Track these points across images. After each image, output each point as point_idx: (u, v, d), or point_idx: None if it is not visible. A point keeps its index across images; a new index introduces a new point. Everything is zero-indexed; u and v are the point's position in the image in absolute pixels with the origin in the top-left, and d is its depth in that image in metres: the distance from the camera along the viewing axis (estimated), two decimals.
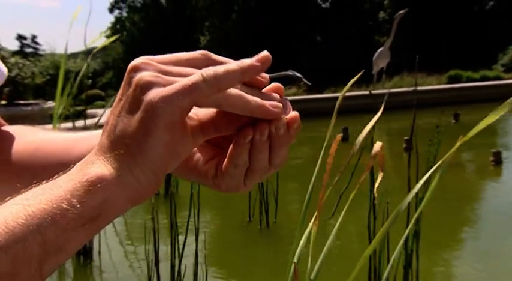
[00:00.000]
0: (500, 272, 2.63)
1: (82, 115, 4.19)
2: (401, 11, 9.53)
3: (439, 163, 1.02)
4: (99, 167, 0.30)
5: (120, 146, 0.30)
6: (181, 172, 0.39)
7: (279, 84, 0.36)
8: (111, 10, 26.08)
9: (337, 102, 1.16)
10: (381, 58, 10.17)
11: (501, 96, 1.49)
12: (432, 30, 16.74)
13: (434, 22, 16.88)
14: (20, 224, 0.27)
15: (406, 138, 5.32)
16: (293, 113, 0.34)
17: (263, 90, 0.35)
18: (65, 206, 0.28)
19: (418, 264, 2.19)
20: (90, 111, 7.89)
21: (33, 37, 26.37)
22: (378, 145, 0.97)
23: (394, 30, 9.82)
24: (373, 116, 1.07)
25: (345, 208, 1.10)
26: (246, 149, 0.34)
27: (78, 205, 0.28)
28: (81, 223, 0.28)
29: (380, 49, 10.29)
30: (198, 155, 0.38)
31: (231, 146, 0.35)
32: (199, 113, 0.35)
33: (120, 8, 25.92)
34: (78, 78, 2.72)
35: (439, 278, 2.69)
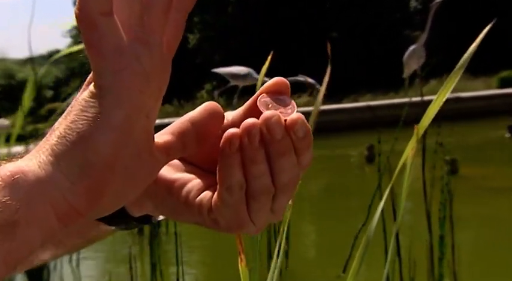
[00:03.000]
0: None
1: (41, 135, 4.21)
2: None
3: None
4: (19, 162, 0.29)
5: (52, 135, 0.29)
6: (169, 209, 0.39)
7: (283, 79, 0.36)
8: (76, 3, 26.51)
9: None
10: (413, 58, 10.22)
11: None
12: (477, 21, 16.86)
13: (480, 12, 17.02)
14: None
15: (448, 158, 5.30)
16: (295, 114, 0.33)
17: (262, 87, 0.35)
18: None
19: None
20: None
21: None
22: None
23: (430, 23, 9.90)
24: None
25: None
26: (236, 162, 0.33)
27: None
28: None
29: (412, 47, 10.36)
30: (188, 186, 0.37)
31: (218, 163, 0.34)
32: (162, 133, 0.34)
33: None
34: (27, 88, 2.72)
35: None
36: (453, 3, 14.03)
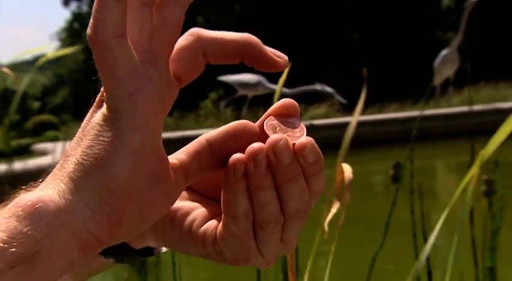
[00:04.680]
0: None
1: (27, 151, 4.21)
2: None
3: None
4: (38, 191, 0.30)
5: (68, 162, 0.31)
6: (171, 240, 0.40)
7: (291, 100, 0.37)
8: (66, 3, 26.74)
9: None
10: (446, 64, 10.19)
11: None
12: None
13: None
14: None
15: (486, 178, 5.26)
16: (304, 138, 0.34)
17: (270, 109, 0.36)
18: None
19: None
20: (38, 146, 7.82)
21: None
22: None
23: (464, 25, 9.88)
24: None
25: None
26: (241, 189, 0.34)
27: (4, 236, 0.28)
28: (8, 264, 0.28)
29: (444, 51, 10.34)
30: (192, 215, 0.39)
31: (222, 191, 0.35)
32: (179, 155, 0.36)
33: (79, 0, 26.59)
34: (17, 98, 2.75)
35: None
36: (490, 3, 14.02)
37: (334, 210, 0.99)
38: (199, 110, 12.44)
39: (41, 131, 12.49)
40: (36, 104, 23.36)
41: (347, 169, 0.97)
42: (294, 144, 0.34)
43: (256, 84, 9.08)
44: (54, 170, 0.32)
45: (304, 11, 18.00)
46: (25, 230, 0.28)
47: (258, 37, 0.37)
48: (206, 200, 0.40)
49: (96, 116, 0.32)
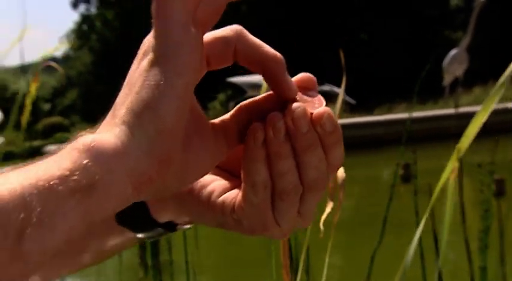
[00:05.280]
0: None
1: (38, 153, 4.25)
2: None
3: None
4: (96, 134, 0.33)
5: (120, 110, 0.34)
6: (190, 210, 0.42)
7: (309, 74, 0.39)
8: (74, 5, 26.89)
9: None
10: (455, 63, 10.16)
11: None
12: None
13: None
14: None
15: (497, 178, 5.25)
16: (322, 108, 0.36)
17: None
18: (50, 164, 0.31)
19: None
20: (49, 148, 7.90)
21: None
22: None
23: (474, 24, 9.84)
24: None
25: None
26: (261, 158, 0.36)
27: (68, 165, 0.31)
28: (70, 190, 0.30)
29: (453, 51, 10.30)
30: (211, 186, 0.41)
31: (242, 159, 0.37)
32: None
33: (87, 2, 26.68)
34: (29, 100, 2.79)
35: None
36: (500, 2, 13.97)
37: (328, 209, 1.00)
38: (208, 111, 12.49)
39: (51, 133, 12.60)
40: (46, 106, 23.53)
41: (339, 169, 0.98)
42: (311, 113, 0.35)
43: None
44: (105, 119, 0.35)
45: (310, 10, 18.02)
46: (85, 162, 0.31)
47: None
48: (226, 175, 0.42)
49: (143, 64, 0.35)
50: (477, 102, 11.09)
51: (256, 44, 0.37)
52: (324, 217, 0.98)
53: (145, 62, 0.35)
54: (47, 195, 0.31)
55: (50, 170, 0.32)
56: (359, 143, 6.80)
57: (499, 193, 4.32)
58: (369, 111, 11.69)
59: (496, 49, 14.76)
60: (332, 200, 1.00)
